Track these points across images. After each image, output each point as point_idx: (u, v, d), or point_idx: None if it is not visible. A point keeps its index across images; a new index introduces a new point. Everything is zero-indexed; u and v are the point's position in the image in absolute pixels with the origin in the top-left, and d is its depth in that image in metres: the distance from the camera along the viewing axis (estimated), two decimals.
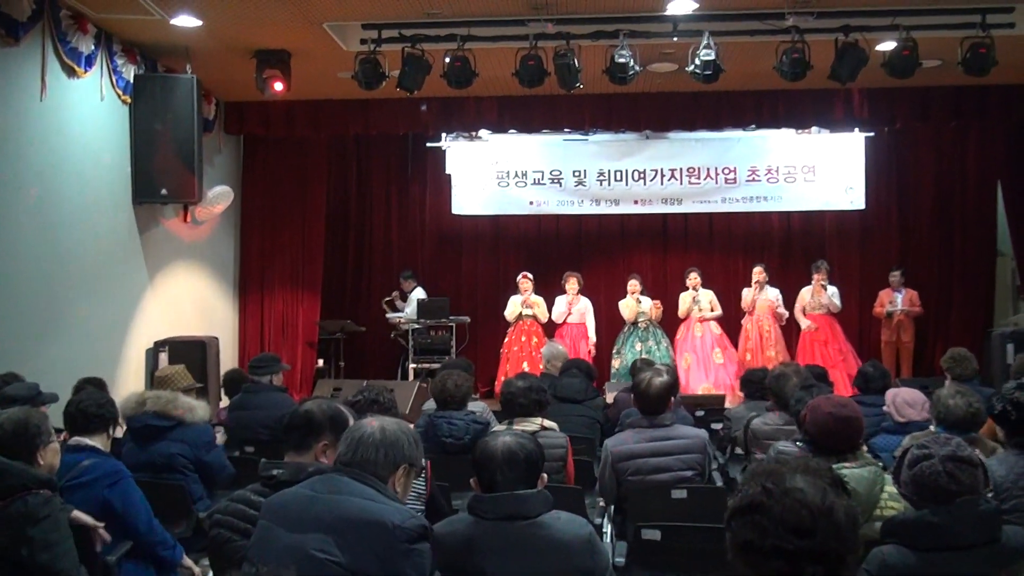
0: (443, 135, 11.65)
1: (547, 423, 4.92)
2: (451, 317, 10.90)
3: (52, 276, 7.33)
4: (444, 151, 11.87)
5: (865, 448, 3.71)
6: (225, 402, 7.30)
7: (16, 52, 6.81)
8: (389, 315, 11.56)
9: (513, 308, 11.00)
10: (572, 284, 10.89)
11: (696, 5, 7.55)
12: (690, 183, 11.55)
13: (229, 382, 7.24)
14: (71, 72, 7.50)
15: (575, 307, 10.89)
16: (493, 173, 11.75)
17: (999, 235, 11.40)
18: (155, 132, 8.50)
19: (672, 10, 7.63)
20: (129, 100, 8.41)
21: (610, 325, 11.23)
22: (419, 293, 11.40)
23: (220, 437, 5.27)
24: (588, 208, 11.75)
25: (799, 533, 1.67)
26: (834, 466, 3.10)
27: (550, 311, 10.93)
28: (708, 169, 11.53)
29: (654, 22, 7.86)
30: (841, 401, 3.67)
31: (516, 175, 11.73)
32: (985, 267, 11.48)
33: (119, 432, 4.61)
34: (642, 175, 11.59)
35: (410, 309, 11.27)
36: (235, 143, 11.04)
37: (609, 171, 11.63)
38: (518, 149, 11.77)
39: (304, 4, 7.39)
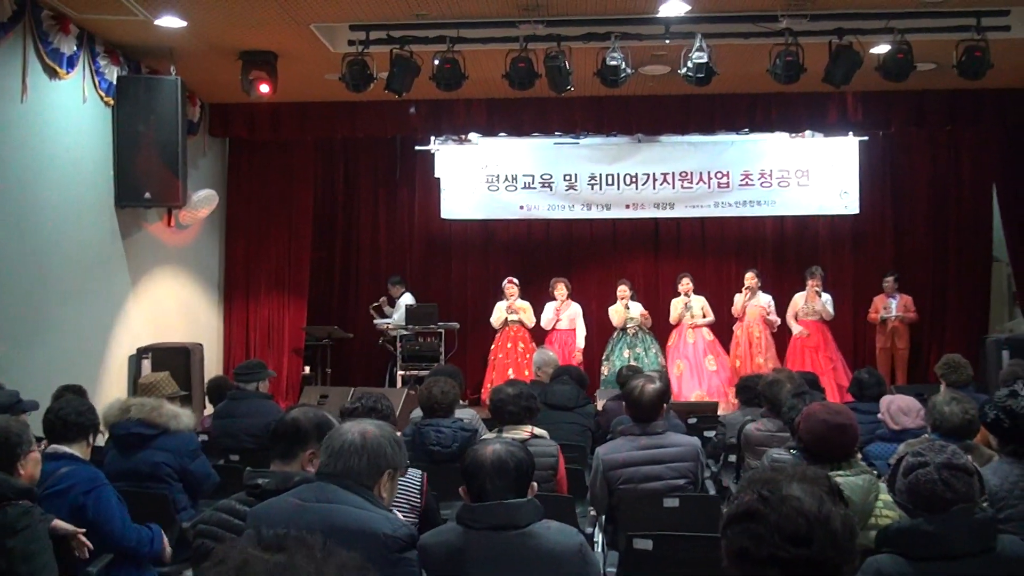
0: (432, 138, 11.65)
1: (537, 431, 4.91)
2: (440, 323, 10.89)
3: (33, 281, 7.29)
4: (433, 154, 11.87)
5: (860, 456, 3.71)
6: (210, 410, 7.27)
7: None
8: (377, 321, 11.54)
9: (498, 314, 11.01)
10: (560, 290, 10.90)
11: (688, 7, 7.56)
12: (682, 187, 11.57)
13: (214, 389, 7.22)
14: (53, 73, 7.48)
15: (564, 313, 10.90)
16: (483, 177, 11.76)
17: (995, 241, 11.45)
18: (138, 134, 8.48)
19: (664, 12, 7.65)
20: (112, 102, 8.39)
21: (602, 331, 11.24)
22: (407, 299, 11.39)
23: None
24: (579, 213, 11.76)
25: (796, 542, 1.67)
26: (828, 474, 3.11)
27: (538, 316, 10.95)
28: (701, 173, 11.56)
29: (646, 24, 7.87)
30: (836, 408, 3.68)
31: (506, 179, 11.74)
32: (980, 273, 11.52)
33: (101, 440, 4.58)
34: (634, 179, 11.61)
35: (398, 315, 11.25)
36: (220, 146, 11.02)
37: (600, 175, 11.65)
38: (508, 152, 11.78)
39: (291, 5, 7.39)
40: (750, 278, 10.73)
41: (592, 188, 11.65)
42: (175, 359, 8.81)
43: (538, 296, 11.15)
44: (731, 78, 8.94)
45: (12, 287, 7.04)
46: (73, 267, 7.87)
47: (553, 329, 10.93)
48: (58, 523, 3.64)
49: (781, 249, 12.10)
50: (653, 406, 4.64)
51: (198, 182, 9.86)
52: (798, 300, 10.80)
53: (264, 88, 8.66)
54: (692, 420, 6.94)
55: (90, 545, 3.78)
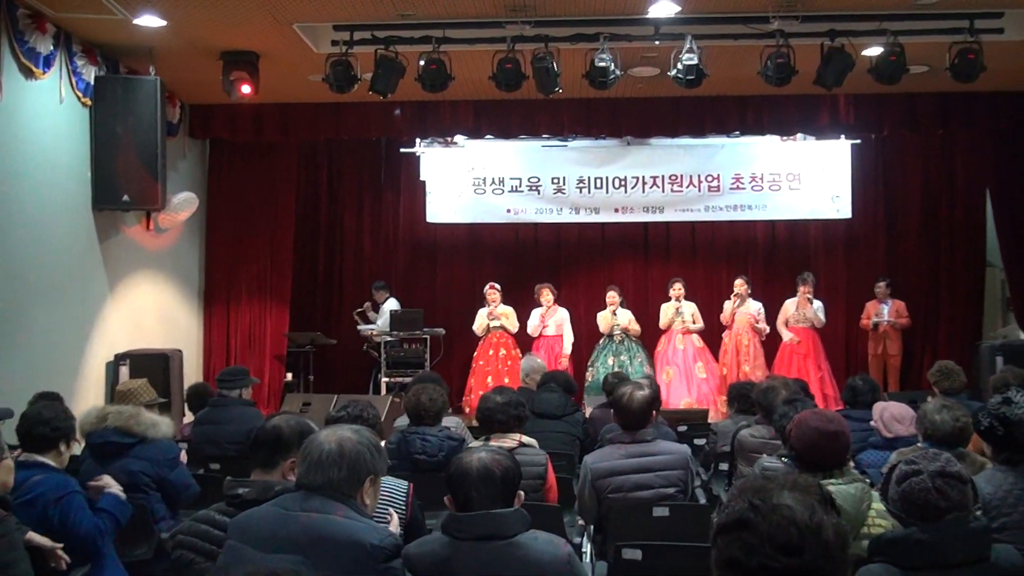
0: (417, 140, 11.65)
1: (525, 439, 4.91)
2: (425, 329, 10.86)
3: (7, 286, 7.24)
4: (418, 157, 11.87)
5: (852, 464, 3.72)
6: (189, 418, 7.24)
7: None
8: (361, 327, 11.51)
9: (481, 321, 11.03)
10: (546, 296, 10.92)
11: (678, 8, 7.58)
12: (672, 191, 11.60)
13: (193, 396, 7.19)
14: (28, 73, 7.44)
15: (551, 319, 10.91)
16: (469, 180, 11.76)
17: (988, 246, 11.51)
18: (116, 136, 8.45)
19: (654, 13, 7.67)
20: (89, 102, 8.35)
21: (590, 337, 11.25)
22: (392, 304, 11.36)
23: (182, 455, 5.23)
24: (567, 216, 11.77)
25: (786, 551, 1.67)
26: (820, 482, 3.11)
27: (523, 323, 10.96)
28: (691, 177, 11.59)
29: (635, 25, 7.89)
30: (828, 416, 3.69)
31: (493, 182, 11.74)
32: (974, 278, 11.59)
33: (77, 449, 4.56)
34: (623, 183, 11.63)
35: (382, 321, 11.23)
36: (200, 148, 10.98)
37: (589, 178, 11.67)
38: (495, 155, 11.78)
39: (273, 4, 7.38)
40: (739, 285, 10.75)
41: (580, 191, 11.67)
42: (154, 366, 8.77)
43: (525, 302, 11.15)
44: (722, 80, 8.97)
45: None
46: (49, 271, 7.82)
47: (540, 335, 10.93)
48: (33, 536, 3.62)
49: (772, 254, 12.14)
50: (642, 413, 4.64)
51: (178, 185, 9.83)
52: (789, 306, 10.83)
53: (246, 89, 8.63)
54: (682, 428, 6.96)
55: (67, 559, 3.76)
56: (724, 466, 5.92)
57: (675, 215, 11.76)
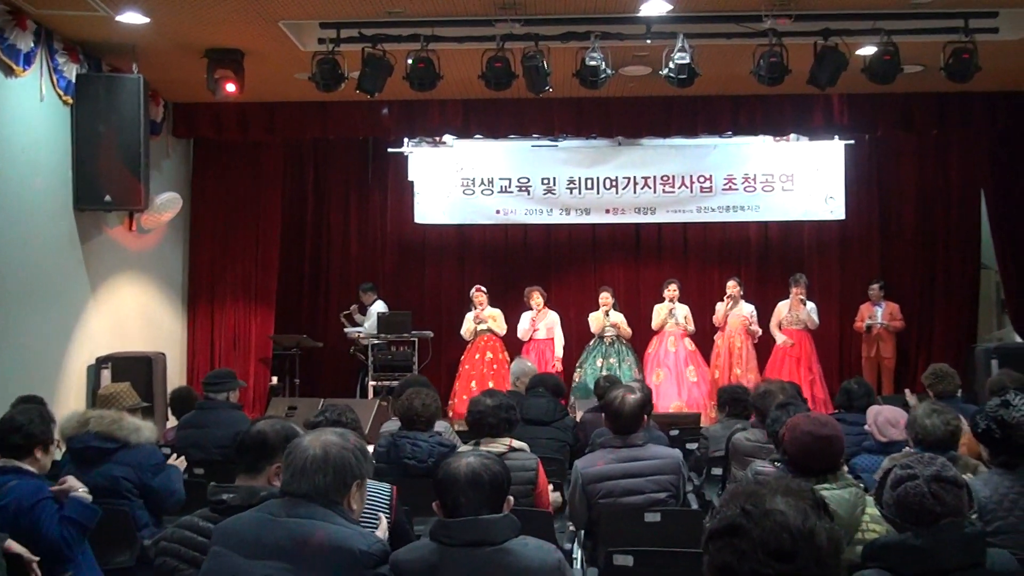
0: (405, 140, 11.63)
1: (516, 444, 4.89)
2: (413, 332, 10.85)
3: None
4: (406, 157, 11.85)
5: (846, 468, 3.73)
6: (172, 422, 7.21)
7: None
8: (348, 329, 11.50)
9: (468, 325, 11.04)
10: (536, 299, 10.93)
11: (670, 6, 7.59)
12: (664, 192, 11.62)
13: (177, 400, 7.16)
14: (8, 71, 7.41)
15: (541, 322, 10.92)
16: (458, 180, 11.75)
17: (983, 247, 11.55)
18: (99, 135, 8.42)
19: (645, 11, 7.67)
20: (71, 101, 8.32)
21: (580, 339, 11.26)
22: (379, 306, 11.35)
23: (181, 461, 5.19)
24: (558, 217, 11.77)
25: (779, 557, 1.67)
26: (813, 487, 3.12)
27: (513, 327, 10.96)
28: (683, 177, 11.61)
29: (627, 23, 7.90)
30: (821, 420, 3.69)
31: (482, 182, 11.74)
32: (969, 280, 11.63)
33: (58, 454, 4.54)
34: (614, 183, 11.65)
35: (370, 323, 11.22)
36: (184, 147, 10.95)
37: (580, 179, 11.67)
38: (484, 155, 11.78)
39: (259, 1, 7.36)
40: (732, 287, 10.76)
41: (571, 192, 11.68)
42: (136, 369, 8.74)
43: (515, 304, 11.15)
44: (714, 79, 8.99)
45: None
46: (30, 273, 7.79)
47: (531, 339, 10.94)
48: (12, 544, 3.61)
49: (765, 255, 12.18)
50: (634, 417, 4.64)
51: (161, 184, 9.80)
52: (782, 308, 10.86)
53: (230, 87, 8.61)
54: (674, 432, 6.96)
55: (39, 573, 3.75)
56: (717, 471, 5.92)
57: (667, 216, 11.77)
